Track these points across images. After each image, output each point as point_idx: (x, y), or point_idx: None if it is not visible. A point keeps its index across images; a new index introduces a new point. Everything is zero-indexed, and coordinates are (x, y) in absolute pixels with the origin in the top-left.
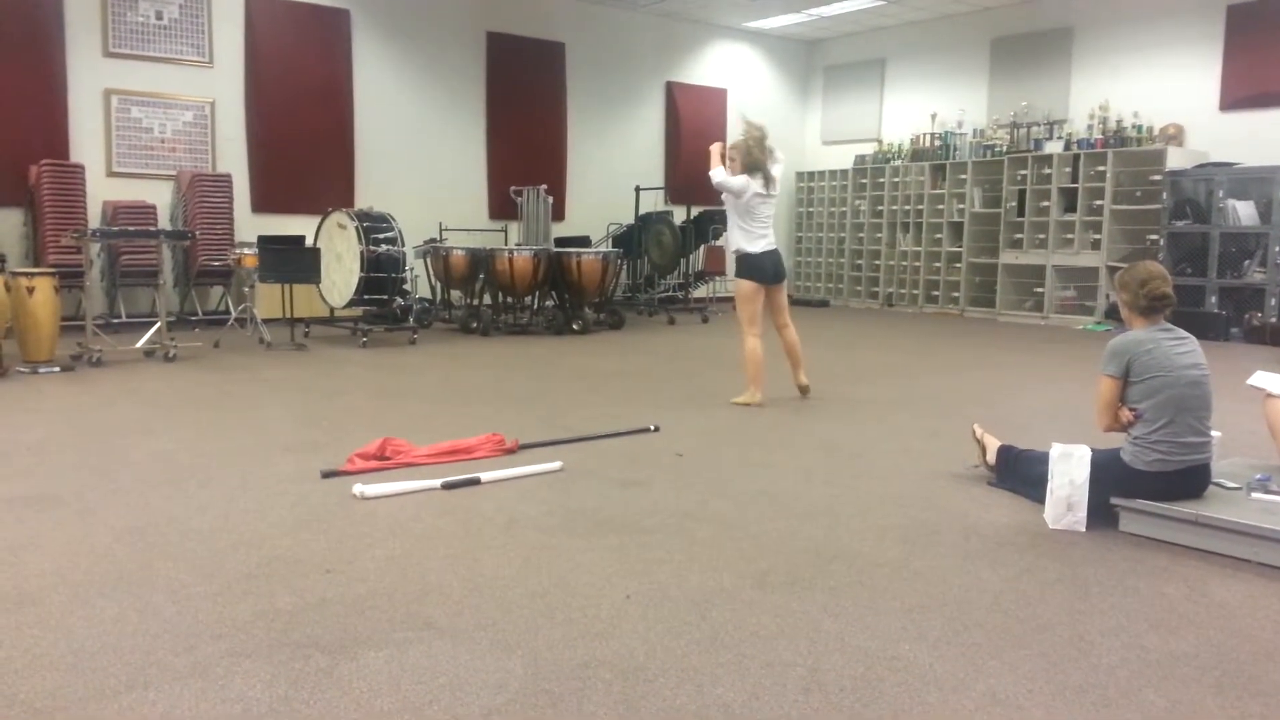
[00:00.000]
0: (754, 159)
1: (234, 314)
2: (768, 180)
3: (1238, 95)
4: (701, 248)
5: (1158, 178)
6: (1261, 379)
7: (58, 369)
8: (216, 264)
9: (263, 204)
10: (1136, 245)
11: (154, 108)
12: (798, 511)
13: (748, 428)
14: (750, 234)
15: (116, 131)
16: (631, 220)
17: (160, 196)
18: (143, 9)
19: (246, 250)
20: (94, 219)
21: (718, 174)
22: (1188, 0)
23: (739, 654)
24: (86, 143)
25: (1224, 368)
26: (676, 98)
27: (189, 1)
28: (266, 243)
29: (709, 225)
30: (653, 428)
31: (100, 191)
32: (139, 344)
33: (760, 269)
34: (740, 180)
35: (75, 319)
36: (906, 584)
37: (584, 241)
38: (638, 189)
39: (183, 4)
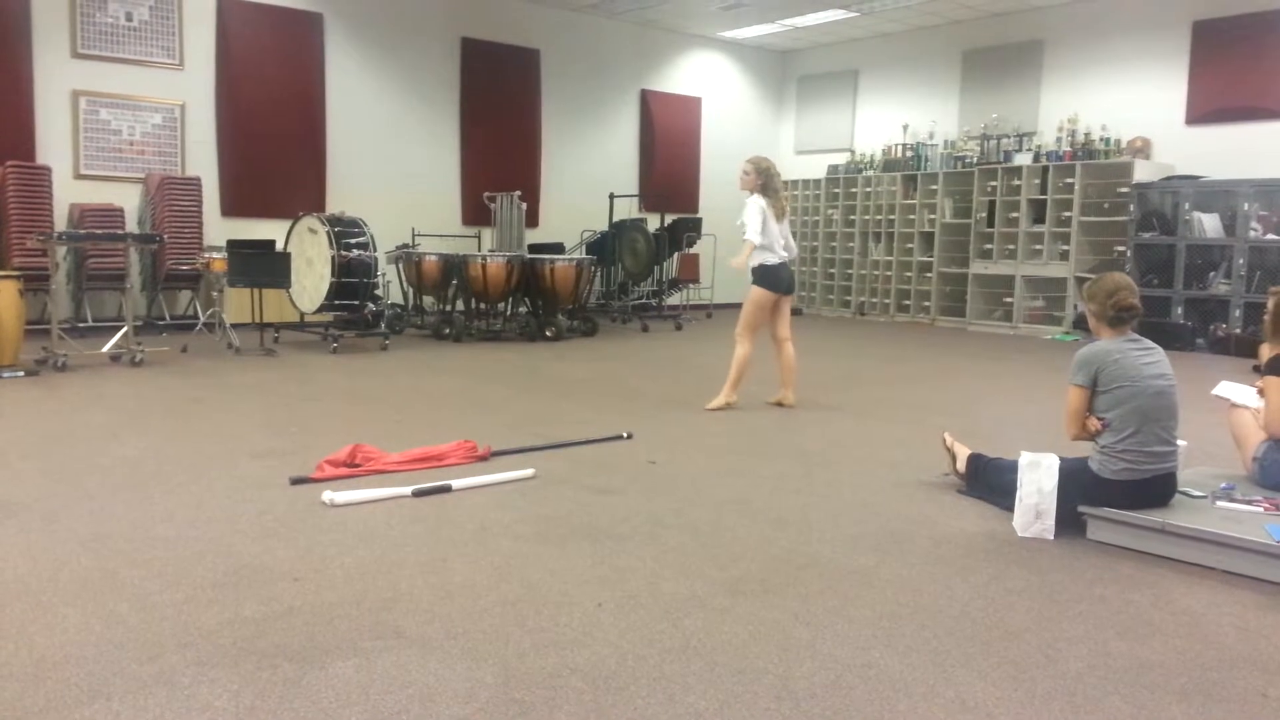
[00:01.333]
0: (769, 181)
1: (202, 319)
2: (782, 207)
3: (1203, 109)
4: (675, 255)
5: (1125, 190)
6: (1226, 389)
7: (22, 374)
8: (185, 268)
9: (232, 208)
10: (1104, 256)
11: (123, 110)
12: (769, 519)
13: (720, 435)
14: (768, 249)
15: (84, 133)
16: (606, 227)
17: (128, 199)
18: (112, 10)
19: (215, 254)
20: (60, 221)
21: (750, 237)
22: (1155, 16)
23: (711, 662)
24: (54, 145)
25: (1189, 378)
26: (651, 105)
27: (159, 3)
28: (236, 247)
29: (683, 233)
30: (625, 435)
31: (67, 194)
32: (105, 348)
33: (777, 279)
34: (757, 211)
35: (40, 323)
36: (877, 592)
37: (558, 248)
38: (612, 196)
39: (153, 5)
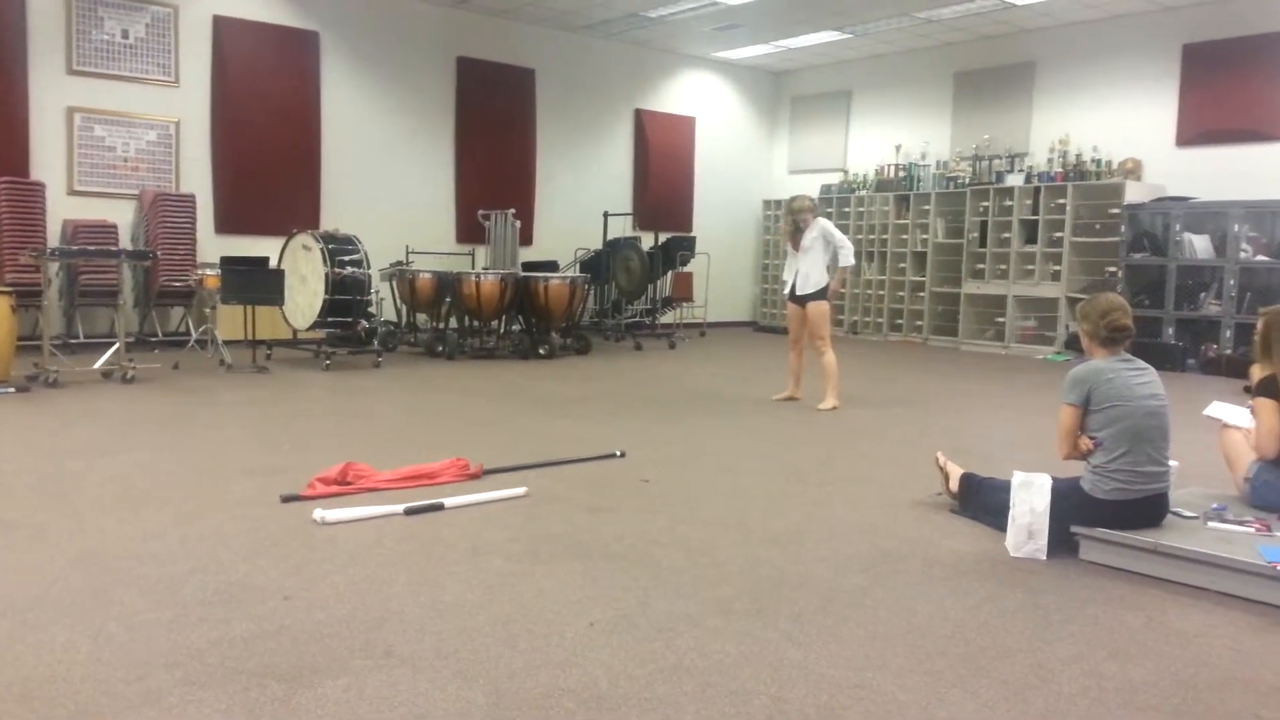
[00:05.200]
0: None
1: (194, 335)
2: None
3: (1194, 131)
4: (669, 274)
5: (1116, 211)
6: (1218, 409)
7: (13, 390)
8: (178, 284)
9: (226, 225)
10: (1095, 277)
11: (118, 126)
12: (763, 538)
13: (713, 454)
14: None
15: (79, 150)
16: (600, 245)
17: (122, 216)
18: (108, 27)
19: (208, 271)
20: (53, 238)
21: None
22: (1145, 39)
23: (703, 682)
24: (47, 161)
25: (1181, 398)
26: (645, 125)
27: (156, 20)
28: (229, 263)
29: (677, 251)
30: (619, 453)
31: (60, 210)
32: (97, 365)
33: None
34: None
35: (32, 339)
36: (870, 612)
37: (551, 266)
38: (606, 214)
39: (149, 23)
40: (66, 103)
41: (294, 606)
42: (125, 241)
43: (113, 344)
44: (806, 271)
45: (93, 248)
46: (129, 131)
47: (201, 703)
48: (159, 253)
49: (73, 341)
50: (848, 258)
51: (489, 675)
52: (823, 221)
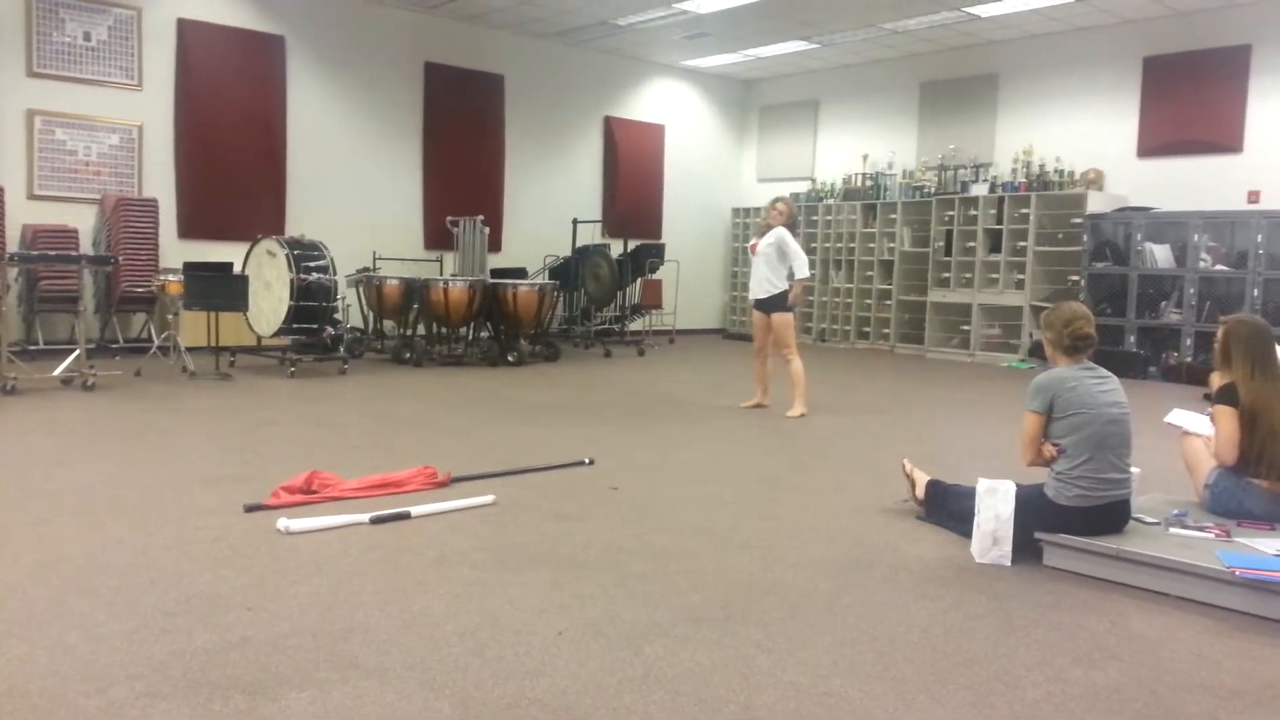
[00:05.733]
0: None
1: (157, 342)
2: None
3: (1154, 142)
4: (638, 281)
5: (1079, 220)
6: (1178, 417)
7: None
8: (139, 290)
9: (190, 230)
10: (1058, 286)
11: (79, 130)
12: (732, 545)
13: (682, 461)
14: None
15: (39, 153)
16: (569, 252)
17: (83, 221)
18: (70, 29)
19: (171, 277)
20: (12, 242)
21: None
22: (1107, 50)
23: (672, 691)
24: (7, 164)
25: (1142, 406)
26: (615, 132)
27: (118, 23)
28: (192, 269)
29: (646, 259)
30: (587, 461)
31: (20, 215)
32: (56, 372)
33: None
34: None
35: None
36: (838, 618)
37: (520, 273)
38: (575, 221)
39: (112, 25)
40: (26, 105)
41: (257, 617)
42: (86, 246)
43: (73, 350)
44: (758, 275)
45: (53, 253)
46: (90, 135)
47: (163, 715)
48: (120, 258)
49: (32, 348)
50: (802, 269)
51: (456, 685)
52: (781, 231)
